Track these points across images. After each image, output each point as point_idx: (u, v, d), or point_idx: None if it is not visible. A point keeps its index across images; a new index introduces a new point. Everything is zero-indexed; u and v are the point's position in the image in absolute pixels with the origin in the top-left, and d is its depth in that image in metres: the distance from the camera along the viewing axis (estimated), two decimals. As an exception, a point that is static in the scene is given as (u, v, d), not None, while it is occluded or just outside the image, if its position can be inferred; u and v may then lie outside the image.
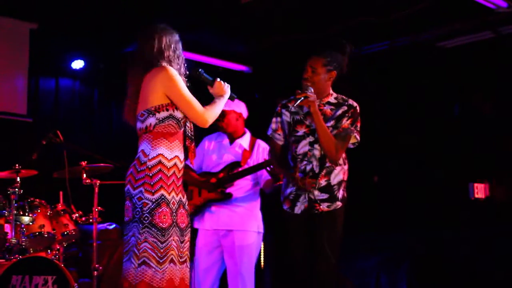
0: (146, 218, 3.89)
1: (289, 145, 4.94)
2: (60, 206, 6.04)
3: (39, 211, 5.75)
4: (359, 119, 4.87)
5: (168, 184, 3.96)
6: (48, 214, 5.87)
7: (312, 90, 4.75)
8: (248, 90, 9.04)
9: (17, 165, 5.68)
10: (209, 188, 5.56)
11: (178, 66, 4.15)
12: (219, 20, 7.82)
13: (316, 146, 4.79)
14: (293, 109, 4.86)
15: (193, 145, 4.22)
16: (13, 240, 5.34)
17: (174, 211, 3.97)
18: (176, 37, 4.19)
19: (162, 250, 3.90)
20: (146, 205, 3.90)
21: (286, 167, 4.93)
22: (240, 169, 5.57)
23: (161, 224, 3.90)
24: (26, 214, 5.56)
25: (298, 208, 4.82)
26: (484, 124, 7.83)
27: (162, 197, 3.93)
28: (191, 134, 4.20)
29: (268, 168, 5.37)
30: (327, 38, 5.00)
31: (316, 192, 4.77)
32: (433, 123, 8.15)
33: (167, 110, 3.99)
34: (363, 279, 7.94)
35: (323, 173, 4.79)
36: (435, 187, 7.88)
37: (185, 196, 4.13)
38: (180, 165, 4.06)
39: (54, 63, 8.32)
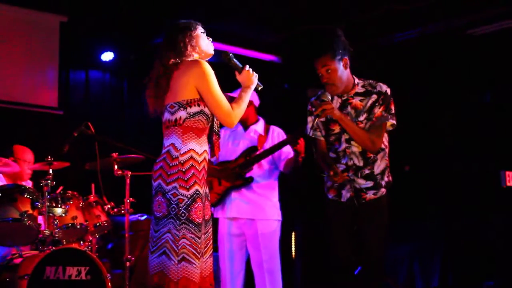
0: (183, 214, 3.86)
1: (328, 143, 4.85)
2: (92, 198, 6.07)
3: (71, 202, 5.77)
4: (392, 102, 4.75)
5: (200, 178, 3.94)
6: (81, 205, 5.90)
7: (329, 97, 4.69)
8: (277, 80, 9.04)
9: (49, 157, 5.73)
10: (229, 177, 5.53)
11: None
12: (248, 9, 7.80)
13: (353, 142, 4.71)
14: (316, 123, 4.73)
15: (219, 140, 4.20)
16: (46, 232, 5.38)
17: (203, 205, 3.97)
18: (199, 30, 4.14)
19: (200, 246, 3.90)
20: (182, 201, 3.87)
21: (329, 164, 4.76)
22: (257, 153, 5.51)
23: (197, 220, 3.89)
24: (59, 205, 5.60)
25: (344, 196, 4.76)
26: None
27: (197, 192, 3.91)
28: (218, 130, 4.17)
29: (293, 142, 5.23)
30: (316, 39, 4.87)
31: (361, 181, 4.72)
32: (465, 110, 8.08)
33: (198, 105, 3.97)
34: (396, 267, 7.92)
35: (367, 166, 4.72)
36: (467, 175, 7.82)
37: (207, 188, 4.12)
38: (207, 159, 4.06)
39: (84, 56, 8.36)
